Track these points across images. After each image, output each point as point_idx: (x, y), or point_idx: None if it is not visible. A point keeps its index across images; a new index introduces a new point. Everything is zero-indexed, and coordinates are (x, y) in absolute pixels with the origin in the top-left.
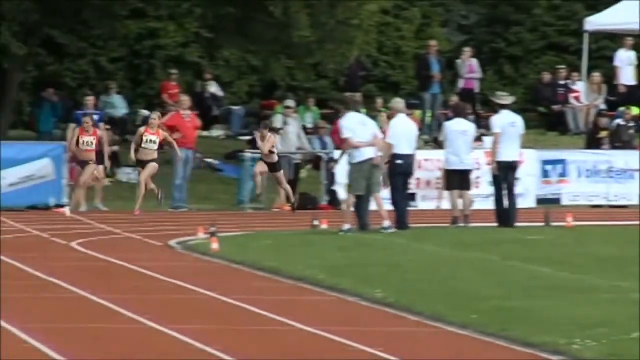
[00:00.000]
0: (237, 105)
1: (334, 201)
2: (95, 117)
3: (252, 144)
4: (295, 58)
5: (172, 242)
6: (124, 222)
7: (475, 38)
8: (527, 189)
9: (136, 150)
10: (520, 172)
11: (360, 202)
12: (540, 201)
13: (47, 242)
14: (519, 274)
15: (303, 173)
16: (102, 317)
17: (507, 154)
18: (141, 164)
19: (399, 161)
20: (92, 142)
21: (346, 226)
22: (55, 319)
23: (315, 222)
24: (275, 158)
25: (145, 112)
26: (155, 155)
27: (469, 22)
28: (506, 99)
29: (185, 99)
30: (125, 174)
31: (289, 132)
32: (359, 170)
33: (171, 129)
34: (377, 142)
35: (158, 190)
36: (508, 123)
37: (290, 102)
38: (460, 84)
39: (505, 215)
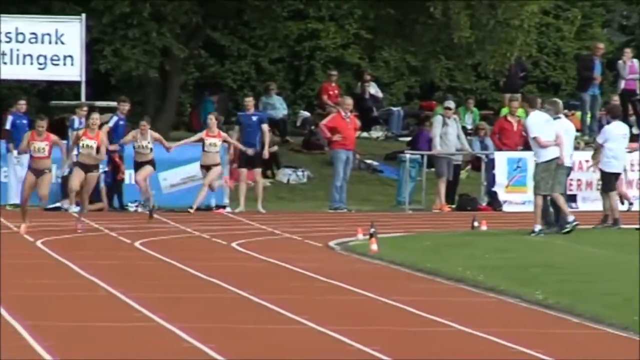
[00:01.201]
0: (397, 106)
1: (494, 203)
2: (254, 118)
3: (412, 145)
4: (455, 59)
5: (332, 243)
6: (284, 222)
7: (637, 39)
8: None
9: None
10: None
11: (544, 202)
12: None
13: (208, 243)
14: None
15: (463, 174)
16: (262, 317)
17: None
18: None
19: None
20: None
21: (537, 227)
22: (216, 320)
23: (475, 224)
24: None
25: (305, 113)
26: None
27: (631, 22)
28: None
29: (349, 101)
30: (286, 174)
31: (448, 133)
32: (546, 170)
33: (331, 130)
34: (560, 141)
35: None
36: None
37: (450, 104)
38: (622, 85)
39: None
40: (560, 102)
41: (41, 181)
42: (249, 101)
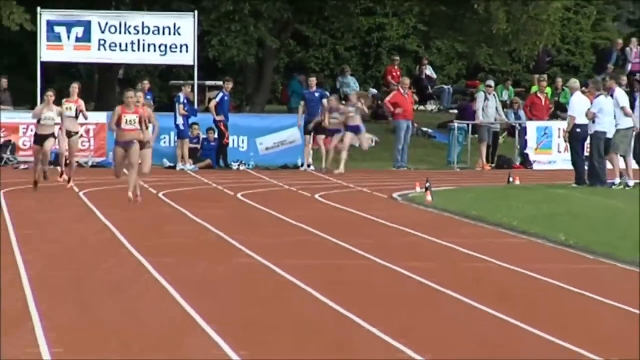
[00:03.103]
0: (447, 84)
1: (525, 162)
2: (316, 94)
3: (459, 115)
4: (494, 46)
5: (395, 195)
6: (356, 178)
7: None
8: None
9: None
10: None
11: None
12: None
13: (295, 195)
14: None
15: (501, 139)
16: (338, 254)
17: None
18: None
19: (578, 130)
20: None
21: (617, 180)
22: (301, 257)
23: (510, 179)
24: None
25: (373, 90)
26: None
27: (636, 17)
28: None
29: (407, 81)
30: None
31: (489, 106)
32: (625, 135)
33: (393, 105)
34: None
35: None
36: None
37: (490, 82)
38: (629, 67)
39: None
40: (577, 81)
41: (132, 151)
42: (312, 81)
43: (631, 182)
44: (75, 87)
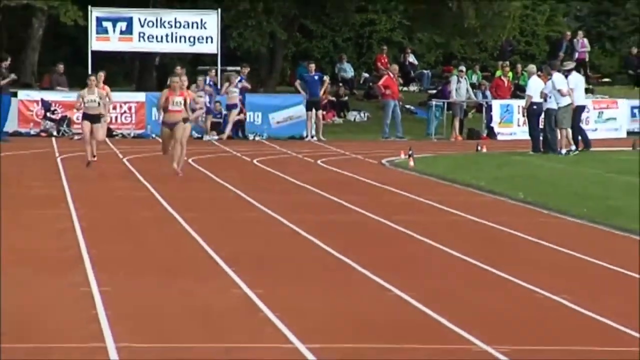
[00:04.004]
0: (427, 70)
1: (491, 134)
2: (315, 77)
3: (437, 95)
4: (465, 38)
5: (384, 161)
6: (352, 147)
7: (586, 24)
8: (621, 125)
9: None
10: (615, 114)
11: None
12: (629, 133)
13: (299, 160)
14: (616, 182)
15: (470, 115)
16: (336, 209)
17: (578, 101)
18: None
19: (534, 107)
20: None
21: (564, 150)
22: (305, 211)
23: (479, 148)
24: None
25: (366, 74)
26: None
27: (582, 13)
28: (570, 64)
29: (395, 68)
30: (353, 115)
31: (461, 88)
32: (566, 112)
33: (384, 87)
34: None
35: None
36: (578, 80)
37: (462, 68)
38: (575, 55)
39: (585, 140)
40: (534, 66)
41: (177, 128)
42: (312, 66)
43: (564, 150)
44: (101, 75)
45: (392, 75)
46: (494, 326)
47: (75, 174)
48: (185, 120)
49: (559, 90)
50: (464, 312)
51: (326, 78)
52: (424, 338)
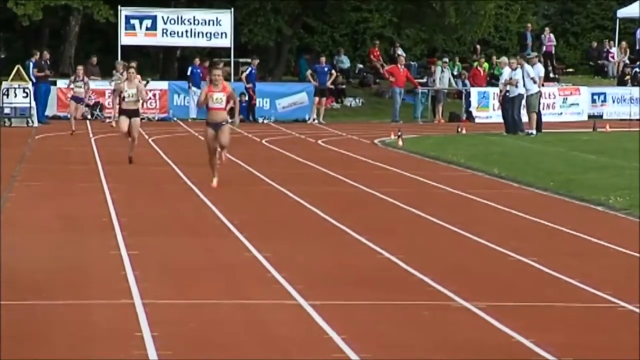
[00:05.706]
0: (414, 61)
1: (470, 117)
2: (325, 68)
3: (423, 83)
4: (447, 34)
5: (376, 141)
6: (348, 129)
7: (552, 22)
8: (583, 109)
9: None
10: (578, 100)
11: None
12: (590, 116)
13: (302, 141)
14: (578, 159)
15: (450, 101)
16: (334, 183)
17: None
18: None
19: (507, 94)
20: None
21: (533, 131)
22: (310, 184)
23: (459, 130)
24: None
25: (360, 66)
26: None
27: (549, 12)
28: (533, 55)
29: (402, 58)
30: (349, 101)
31: (444, 77)
32: (535, 98)
33: (389, 73)
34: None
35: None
36: (540, 70)
37: (445, 59)
38: (543, 49)
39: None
40: (506, 58)
41: (221, 132)
42: (322, 59)
43: (533, 132)
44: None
45: (400, 65)
46: (472, 285)
47: (106, 152)
48: (227, 121)
49: (532, 78)
50: (445, 272)
51: (333, 71)
52: (410, 295)
